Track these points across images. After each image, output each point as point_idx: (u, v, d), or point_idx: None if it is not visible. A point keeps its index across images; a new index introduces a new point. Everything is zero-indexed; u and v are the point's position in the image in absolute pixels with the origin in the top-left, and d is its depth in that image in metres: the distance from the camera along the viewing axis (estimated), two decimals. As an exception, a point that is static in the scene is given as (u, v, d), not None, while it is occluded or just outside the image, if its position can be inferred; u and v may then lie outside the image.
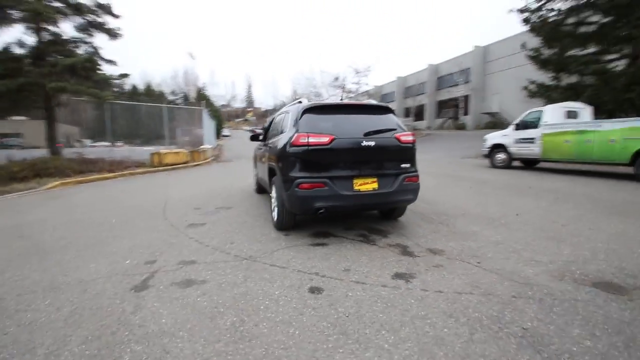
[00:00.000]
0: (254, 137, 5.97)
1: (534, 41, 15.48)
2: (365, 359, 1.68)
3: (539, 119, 9.53)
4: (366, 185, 3.41)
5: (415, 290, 2.41)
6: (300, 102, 4.05)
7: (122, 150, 13.50)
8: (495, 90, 30.85)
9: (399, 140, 3.54)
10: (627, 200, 5.39)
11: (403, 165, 3.61)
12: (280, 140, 3.79)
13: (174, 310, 2.19)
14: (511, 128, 10.38)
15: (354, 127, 3.49)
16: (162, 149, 12.55)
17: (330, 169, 3.35)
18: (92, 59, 10.14)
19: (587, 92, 12.70)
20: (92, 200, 6.30)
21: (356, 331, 1.92)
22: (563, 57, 14.06)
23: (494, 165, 10.79)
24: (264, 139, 5.74)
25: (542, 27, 14.54)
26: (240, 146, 28.57)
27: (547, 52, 14.72)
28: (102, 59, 10.89)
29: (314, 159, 3.33)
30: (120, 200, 6.21)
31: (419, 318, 2.04)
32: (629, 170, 7.57)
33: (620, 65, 13.09)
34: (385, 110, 3.82)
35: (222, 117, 58.70)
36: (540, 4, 14.69)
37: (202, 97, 40.12)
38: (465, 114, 33.85)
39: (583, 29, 13.63)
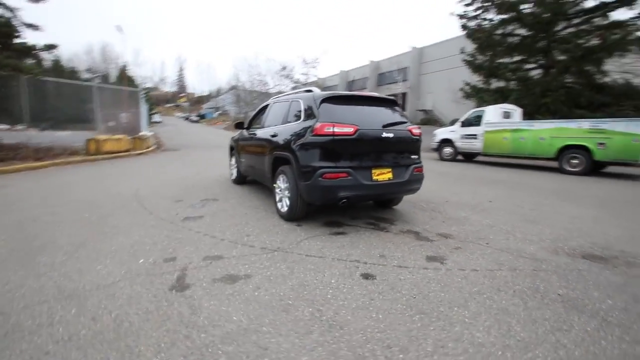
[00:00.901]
0: (239, 125, 5.69)
1: (466, 47, 17.30)
2: (456, 332, 1.83)
3: (481, 117, 10.76)
4: (383, 175, 3.54)
5: (455, 270, 2.64)
6: (309, 90, 4.00)
7: (43, 135, 11.48)
8: (429, 90, 33.61)
9: (411, 132, 3.75)
10: (565, 189, 6.49)
11: (413, 157, 3.83)
12: (293, 129, 3.70)
13: (239, 307, 2.06)
14: (457, 125, 11.53)
15: (371, 119, 3.59)
16: (100, 135, 11.05)
17: (352, 159, 3.41)
18: (10, 23, 8.36)
19: (512, 96, 14.66)
20: (38, 195, 5.33)
21: (432, 310, 2.05)
22: (494, 63, 15.96)
23: (442, 158, 11.90)
24: (248, 128, 5.52)
25: (477, 34, 16.29)
26: (180, 134, 26.52)
27: (480, 58, 16.55)
28: (22, 22, 9.04)
29: (338, 149, 3.35)
30: (76, 194, 5.37)
31: (476, 294, 2.26)
32: (554, 164, 9.06)
33: (539, 74, 15.37)
34: (394, 103, 3.99)
35: (152, 101, 53.51)
36: (476, 13, 16.43)
37: (126, 78, 35.98)
38: (403, 110, 36.20)
39: (510, 40, 15.64)
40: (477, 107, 14.19)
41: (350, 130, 3.32)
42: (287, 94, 4.64)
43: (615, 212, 4.66)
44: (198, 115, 66.39)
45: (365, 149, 3.46)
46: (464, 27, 17.24)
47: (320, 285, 2.35)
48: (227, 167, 8.16)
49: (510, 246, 3.22)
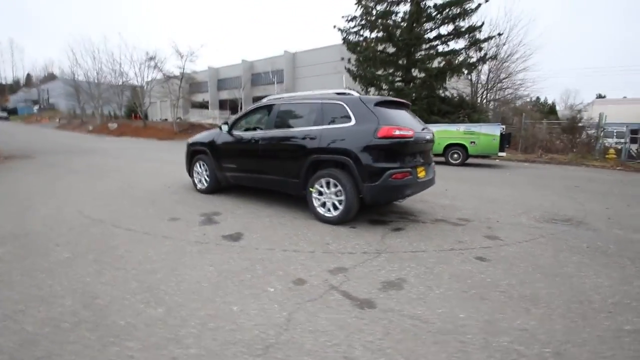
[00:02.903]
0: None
1: (340, 56, 19.76)
2: (590, 284, 2.49)
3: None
4: (421, 173, 3.99)
5: (517, 244, 3.36)
6: (347, 93, 4.03)
7: None
8: (304, 93, 35.93)
9: (433, 134, 4.33)
10: (470, 177, 8.54)
11: (431, 155, 4.44)
12: (345, 132, 3.68)
13: (446, 305, 2.13)
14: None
15: (411, 122, 3.96)
16: None
17: (407, 159, 3.71)
18: None
19: (389, 103, 17.57)
20: None
21: (557, 274, 2.67)
22: (371, 74, 18.61)
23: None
24: (230, 129, 4.96)
25: (357, 47, 18.68)
26: (1, 136, 19.37)
27: (361, 69, 18.99)
28: None
29: (401, 150, 3.59)
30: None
31: (555, 257, 3.03)
32: (441, 158, 11.62)
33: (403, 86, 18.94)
34: (410, 106, 4.47)
35: None
36: (356, 30, 18.83)
37: None
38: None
39: (382, 56, 18.62)
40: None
41: (410, 132, 3.62)
42: (304, 95, 4.45)
43: (524, 190, 6.61)
44: (4, 110, 49.28)
45: (415, 149, 3.83)
46: (344, 40, 19.47)
47: (468, 274, 2.62)
48: (152, 176, 7.03)
49: (511, 221, 4.25)
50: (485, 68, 22.69)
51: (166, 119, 43.07)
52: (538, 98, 44.47)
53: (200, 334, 1.79)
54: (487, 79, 24.45)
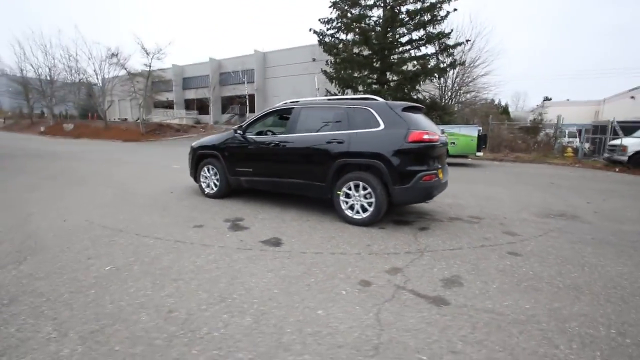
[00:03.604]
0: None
1: (312, 57, 19.91)
2: (614, 271, 2.83)
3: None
4: (441, 175, 4.22)
5: (534, 239, 3.68)
6: (372, 98, 4.15)
7: None
8: (276, 93, 35.59)
9: (447, 137, 4.58)
10: (457, 176, 9.02)
11: (445, 158, 4.69)
12: (375, 136, 3.81)
13: (511, 297, 2.32)
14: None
15: (432, 126, 4.17)
16: None
17: (432, 162, 3.90)
18: None
19: (366, 104, 18.00)
20: None
21: (584, 263, 2.98)
22: (349, 76, 18.95)
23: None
24: (244, 132, 4.89)
25: (333, 49, 18.92)
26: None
27: (337, 70, 19.25)
28: None
29: (429, 153, 3.78)
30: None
31: (572, 248, 3.36)
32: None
33: (379, 88, 19.49)
34: (424, 110, 4.68)
35: None
36: (332, 32, 19.07)
37: None
38: (252, 111, 36.76)
39: (358, 58, 19.03)
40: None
41: (436, 137, 3.82)
42: (324, 100, 4.50)
43: (509, 187, 7.14)
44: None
45: (438, 152, 4.04)
46: (320, 42, 19.63)
47: (510, 268, 2.85)
48: (141, 180, 6.78)
49: (516, 217, 4.62)
50: (451, 72, 24.03)
51: (126, 119, 40.63)
52: (493, 100, 47.92)
53: (304, 340, 1.81)
54: (453, 82, 25.94)
